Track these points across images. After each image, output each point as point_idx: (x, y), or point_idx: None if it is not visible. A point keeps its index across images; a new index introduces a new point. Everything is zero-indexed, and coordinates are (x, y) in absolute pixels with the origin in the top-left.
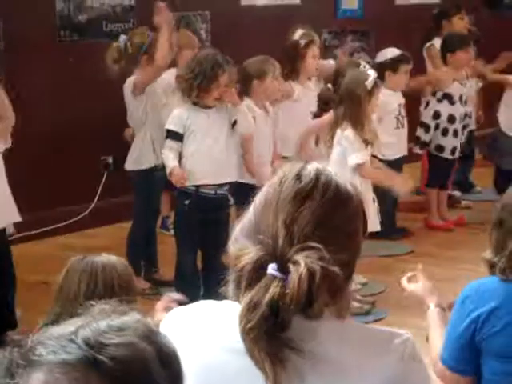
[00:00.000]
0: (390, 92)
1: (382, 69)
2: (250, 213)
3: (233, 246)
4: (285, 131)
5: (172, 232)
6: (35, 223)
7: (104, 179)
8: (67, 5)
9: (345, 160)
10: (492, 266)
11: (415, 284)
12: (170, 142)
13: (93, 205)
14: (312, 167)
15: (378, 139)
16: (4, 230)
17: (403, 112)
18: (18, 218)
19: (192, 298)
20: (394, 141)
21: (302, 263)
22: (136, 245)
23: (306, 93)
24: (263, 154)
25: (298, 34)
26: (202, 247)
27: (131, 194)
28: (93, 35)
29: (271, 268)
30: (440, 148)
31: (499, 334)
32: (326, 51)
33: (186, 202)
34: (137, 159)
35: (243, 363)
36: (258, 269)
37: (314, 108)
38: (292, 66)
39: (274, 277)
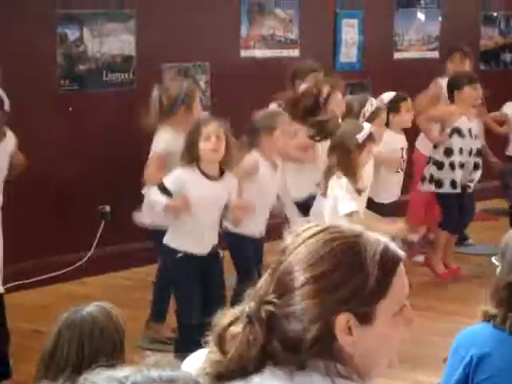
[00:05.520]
0: (394, 134)
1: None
2: None
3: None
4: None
5: None
6: (32, 271)
7: (101, 228)
8: (68, 55)
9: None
10: (492, 319)
11: None
12: (158, 193)
13: (90, 253)
14: (320, 225)
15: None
16: None
17: (405, 156)
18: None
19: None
20: (391, 183)
21: (257, 318)
22: (164, 289)
23: None
24: (262, 206)
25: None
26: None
27: (128, 243)
28: (93, 85)
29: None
30: (453, 183)
31: (491, 379)
32: None
33: (179, 255)
34: None
35: None
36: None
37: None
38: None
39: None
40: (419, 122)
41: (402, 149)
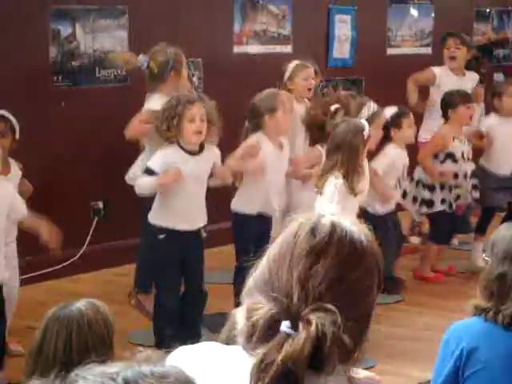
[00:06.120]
0: (397, 150)
1: (386, 129)
2: (263, 264)
3: (246, 298)
4: None
5: None
6: (25, 268)
7: (94, 224)
8: (61, 51)
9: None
10: (484, 313)
11: None
12: (145, 176)
13: (82, 250)
14: (327, 220)
15: (368, 191)
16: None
17: (405, 174)
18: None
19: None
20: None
21: (314, 324)
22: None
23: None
24: (269, 186)
25: (291, 65)
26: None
27: (121, 239)
28: (86, 81)
29: (284, 325)
30: (443, 200)
31: (481, 373)
32: (317, 99)
33: (161, 236)
34: None
35: None
36: (271, 325)
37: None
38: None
39: (288, 334)
40: (421, 160)
41: (404, 166)
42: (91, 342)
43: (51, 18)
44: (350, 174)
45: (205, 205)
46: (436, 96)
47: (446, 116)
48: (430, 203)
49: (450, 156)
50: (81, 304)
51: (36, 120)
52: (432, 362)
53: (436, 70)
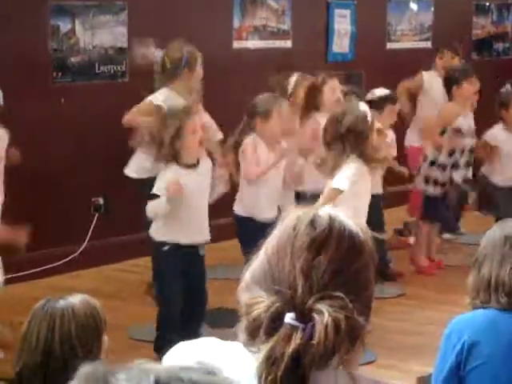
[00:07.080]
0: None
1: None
2: (261, 258)
3: (244, 293)
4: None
5: None
6: (25, 264)
7: (95, 220)
8: (60, 47)
9: (348, 192)
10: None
11: None
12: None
13: (83, 246)
14: (325, 213)
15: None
16: None
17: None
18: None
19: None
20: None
21: (326, 313)
22: None
23: None
24: (267, 190)
25: (293, 79)
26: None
27: (122, 235)
28: (85, 77)
29: (289, 317)
30: (452, 181)
31: (483, 366)
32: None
33: (165, 247)
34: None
35: None
36: (275, 319)
37: None
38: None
39: (293, 326)
40: (425, 137)
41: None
42: (75, 332)
43: (51, 13)
44: (364, 159)
45: (207, 220)
46: (424, 102)
47: (450, 94)
48: (443, 185)
49: (458, 131)
50: (69, 297)
51: (36, 116)
52: (433, 357)
53: (425, 75)
